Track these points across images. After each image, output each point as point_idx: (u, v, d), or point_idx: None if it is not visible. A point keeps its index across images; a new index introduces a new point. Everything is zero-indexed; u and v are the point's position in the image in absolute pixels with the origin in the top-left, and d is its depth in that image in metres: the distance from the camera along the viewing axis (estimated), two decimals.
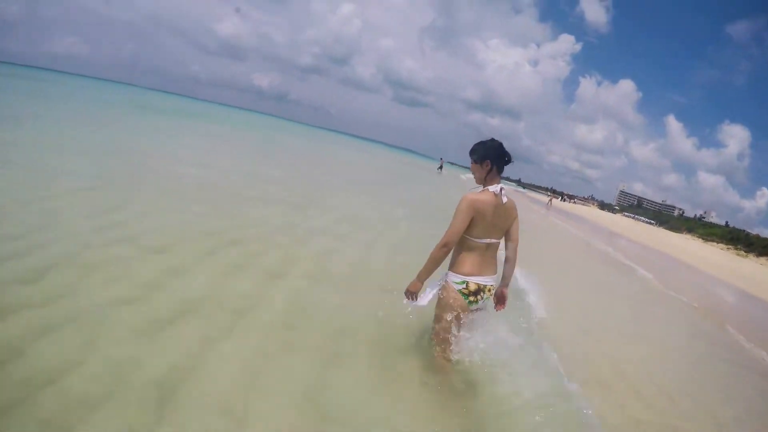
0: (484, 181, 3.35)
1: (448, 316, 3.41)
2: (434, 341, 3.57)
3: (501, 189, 3.29)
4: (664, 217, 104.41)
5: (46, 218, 5.04)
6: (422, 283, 3.36)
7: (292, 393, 2.95)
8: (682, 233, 70.90)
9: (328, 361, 3.45)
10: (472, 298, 3.36)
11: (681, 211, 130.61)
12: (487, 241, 3.34)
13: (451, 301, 3.38)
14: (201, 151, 16.13)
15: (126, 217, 5.63)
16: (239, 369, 3.08)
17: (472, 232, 3.27)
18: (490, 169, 3.31)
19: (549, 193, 62.78)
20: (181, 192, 8.04)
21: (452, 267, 3.39)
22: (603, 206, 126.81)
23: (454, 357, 3.50)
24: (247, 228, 6.38)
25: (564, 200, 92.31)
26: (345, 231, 7.70)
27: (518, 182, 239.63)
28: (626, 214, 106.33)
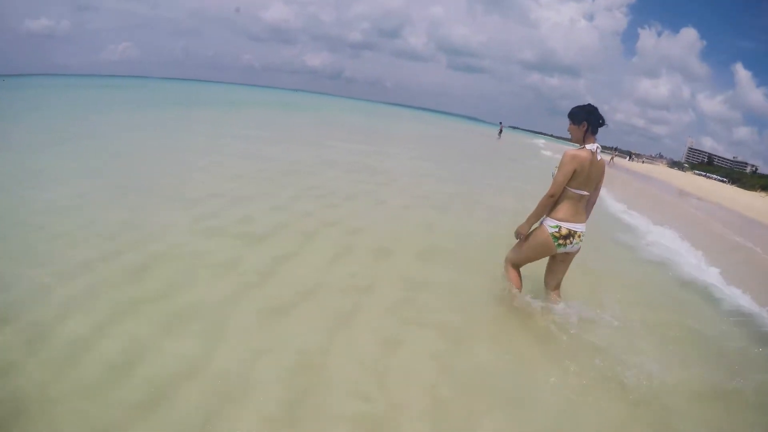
0: (582, 140, 3.80)
1: (535, 248, 3.99)
2: (511, 258, 4.22)
3: (597, 147, 3.72)
4: (736, 174, 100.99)
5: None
6: (530, 226, 3.92)
7: (425, 373, 3.17)
8: (756, 191, 69.52)
9: (456, 337, 3.73)
10: (561, 242, 3.83)
11: (754, 168, 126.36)
12: (582, 192, 3.77)
13: (537, 240, 3.92)
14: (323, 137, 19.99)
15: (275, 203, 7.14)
16: (369, 352, 3.29)
17: (570, 183, 3.70)
18: (587, 130, 3.76)
19: (612, 152, 64.77)
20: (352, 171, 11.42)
21: (549, 213, 3.86)
22: (672, 164, 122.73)
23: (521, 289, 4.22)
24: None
25: (632, 159, 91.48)
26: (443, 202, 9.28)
27: None
28: (696, 171, 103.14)
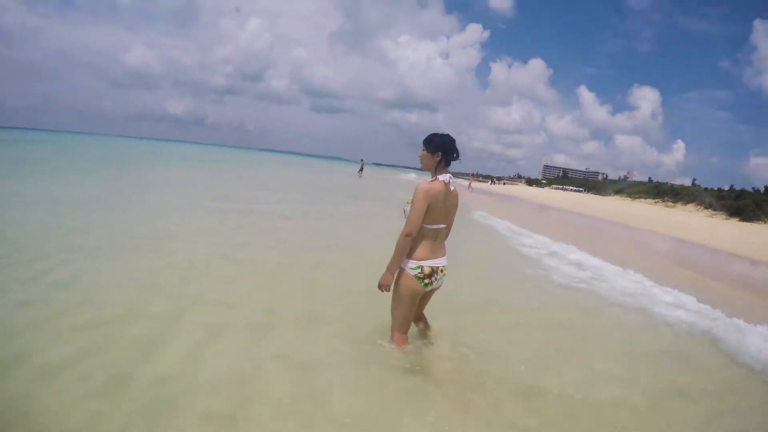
0: (434, 170, 3.72)
1: (406, 301, 3.81)
2: (394, 326, 3.99)
3: (449, 178, 3.70)
4: (590, 183, 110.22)
5: None
6: (393, 274, 3.69)
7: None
8: (610, 196, 75.57)
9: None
10: (427, 281, 3.73)
11: (605, 176, 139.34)
12: (438, 226, 3.71)
13: (406, 289, 3.76)
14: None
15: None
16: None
17: (425, 219, 3.60)
18: (440, 161, 3.68)
19: (469, 177, 71.99)
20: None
21: (407, 255, 3.71)
22: (530, 182, 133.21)
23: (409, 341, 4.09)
24: None
25: (494, 183, 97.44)
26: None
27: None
28: (554, 186, 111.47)
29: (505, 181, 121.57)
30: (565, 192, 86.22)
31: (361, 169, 49.59)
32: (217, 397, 3.27)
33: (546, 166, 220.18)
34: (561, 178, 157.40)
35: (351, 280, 6.45)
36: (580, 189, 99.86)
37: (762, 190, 58.46)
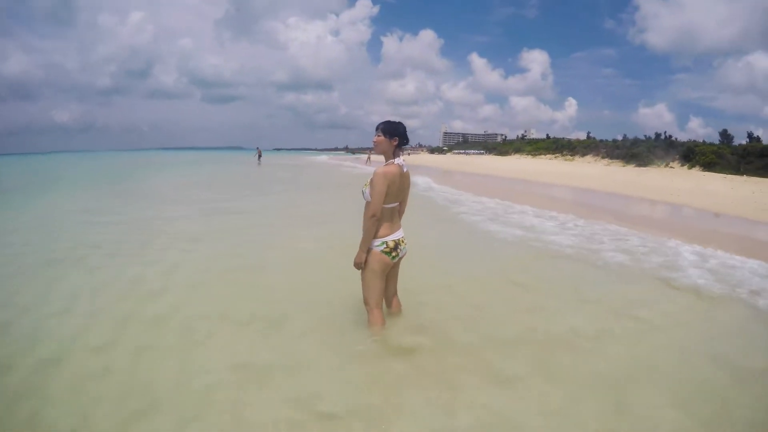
0: (391, 154, 4.04)
1: (379, 276, 4.13)
2: (371, 305, 4.23)
3: (403, 161, 4.05)
4: (491, 145, 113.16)
5: None
6: (365, 253, 4.04)
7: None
8: (511, 155, 77.97)
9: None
10: (393, 253, 4.09)
11: (504, 136, 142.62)
12: (394, 205, 4.06)
13: (377, 264, 4.07)
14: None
15: None
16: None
17: (384, 200, 3.91)
18: (397, 145, 4.01)
19: (368, 151, 73.78)
20: None
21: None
22: (432, 150, 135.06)
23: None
24: None
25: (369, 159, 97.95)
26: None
27: (345, 149, 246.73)
28: (456, 151, 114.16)
29: (408, 152, 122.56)
30: (468, 156, 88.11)
31: (260, 156, 49.25)
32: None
33: (446, 133, 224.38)
34: (462, 143, 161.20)
35: (299, 278, 6.44)
36: (482, 151, 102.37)
37: (653, 137, 62.10)
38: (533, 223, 11.00)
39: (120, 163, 57.14)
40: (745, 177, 34.17)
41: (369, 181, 3.92)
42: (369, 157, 61.91)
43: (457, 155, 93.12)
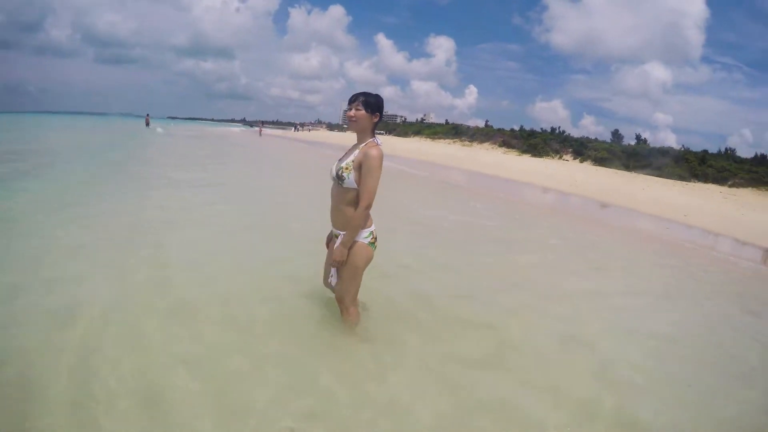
0: (371, 131, 3.54)
1: (362, 272, 3.70)
2: (351, 302, 3.83)
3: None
4: (390, 126, 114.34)
5: None
6: (347, 249, 3.55)
7: None
8: (410, 137, 79.17)
9: None
10: (376, 243, 3.68)
11: (403, 118, 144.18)
12: None
13: (362, 260, 3.62)
14: None
15: None
16: None
17: None
18: (377, 122, 3.56)
19: (259, 124, 77.79)
20: None
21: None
22: (331, 127, 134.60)
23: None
24: None
25: (297, 130, 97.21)
26: None
27: (243, 121, 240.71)
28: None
29: (309, 128, 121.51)
30: None
31: (147, 123, 49.12)
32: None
33: (345, 111, 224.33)
34: None
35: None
36: (381, 132, 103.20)
37: (548, 130, 65.32)
38: None
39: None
40: (633, 173, 37.53)
41: (350, 163, 3.43)
42: (261, 131, 66.25)
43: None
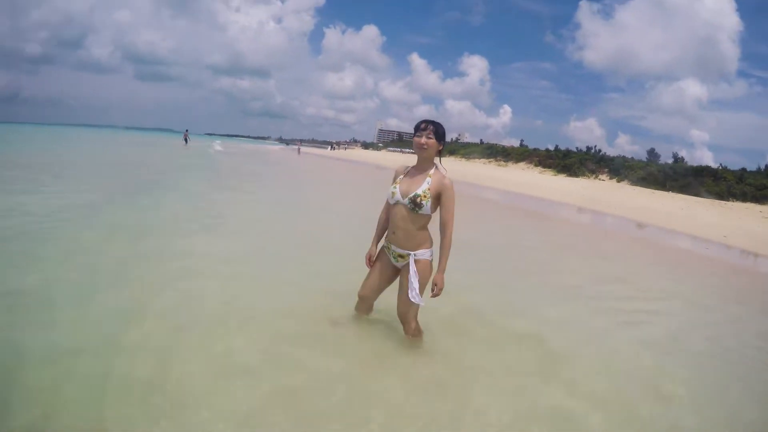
0: (438, 157, 3.70)
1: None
2: (416, 317, 3.96)
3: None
4: None
5: None
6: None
7: None
8: (445, 156, 79.01)
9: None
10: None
11: None
12: None
13: (429, 276, 3.75)
14: None
15: None
16: None
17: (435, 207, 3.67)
18: (441, 150, 3.68)
19: (297, 143, 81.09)
20: None
21: (423, 245, 3.72)
22: (366, 146, 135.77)
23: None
24: None
25: (333, 149, 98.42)
26: None
27: (279, 139, 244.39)
28: (390, 149, 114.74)
29: (344, 146, 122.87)
30: (403, 154, 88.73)
31: (186, 140, 49.30)
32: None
33: (381, 130, 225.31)
34: (397, 140, 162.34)
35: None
36: (412, 150, 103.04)
37: (583, 149, 64.83)
38: None
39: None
40: (671, 193, 36.99)
41: (426, 191, 3.54)
42: (299, 149, 67.24)
43: (392, 153, 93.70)
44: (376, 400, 3.20)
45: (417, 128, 3.62)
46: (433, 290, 3.64)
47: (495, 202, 19.77)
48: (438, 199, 3.55)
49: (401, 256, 3.74)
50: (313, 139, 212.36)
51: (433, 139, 3.54)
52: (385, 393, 3.31)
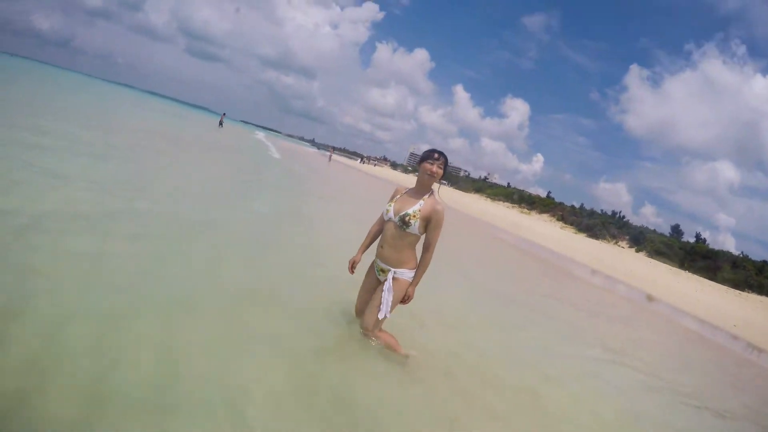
0: (438, 187, 4.04)
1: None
2: (380, 324, 4.09)
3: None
4: (454, 178, 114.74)
5: None
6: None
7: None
8: (470, 193, 79.30)
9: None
10: None
11: (467, 173, 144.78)
12: None
13: (404, 291, 4.00)
14: None
15: None
16: None
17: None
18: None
19: (330, 149, 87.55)
20: None
21: (406, 264, 3.98)
22: (395, 166, 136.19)
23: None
24: None
25: (363, 162, 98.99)
26: None
27: (312, 142, 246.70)
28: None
29: (374, 162, 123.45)
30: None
31: (221, 123, 51.01)
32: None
33: (412, 154, 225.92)
34: None
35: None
36: (443, 182, 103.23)
37: (608, 212, 64.81)
38: None
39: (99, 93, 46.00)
40: (687, 273, 36.74)
41: (417, 212, 3.81)
42: (330, 155, 67.58)
43: None
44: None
45: (429, 156, 3.89)
46: (403, 300, 4.00)
47: (516, 247, 20.13)
48: (427, 221, 3.81)
49: (383, 270, 4.02)
50: (344, 148, 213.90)
51: (442, 170, 3.87)
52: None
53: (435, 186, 3.94)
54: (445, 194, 4.11)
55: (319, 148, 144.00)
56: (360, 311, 4.37)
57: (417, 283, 3.96)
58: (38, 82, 33.31)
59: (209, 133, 36.23)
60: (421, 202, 3.83)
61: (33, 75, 45.84)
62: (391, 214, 3.91)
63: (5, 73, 32.72)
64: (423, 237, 3.90)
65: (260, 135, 62.12)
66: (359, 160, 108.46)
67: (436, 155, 3.86)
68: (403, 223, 3.80)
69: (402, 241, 3.87)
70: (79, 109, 20.75)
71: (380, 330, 4.12)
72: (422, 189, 3.92)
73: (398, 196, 4.04)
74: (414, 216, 3.77)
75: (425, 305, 5.53)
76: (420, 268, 3.94)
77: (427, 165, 3.85)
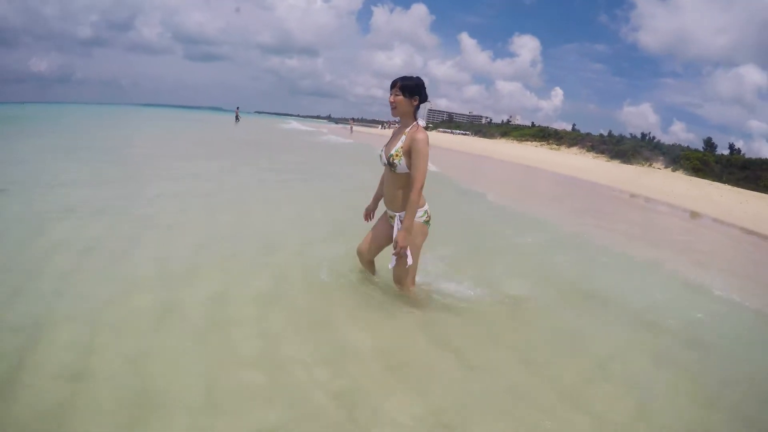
0: (412, 115, 3.68)
1: (419, 252, 3.86)
2: (411, 278, 3.96)
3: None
4: (476, 126, 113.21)
5: None
6: (410, 233, 3.65)
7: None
8: (497, 138, 78.65)
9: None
10: (430, 221, 3.85)
11: (488, 119, 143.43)
12: None
13: (420, 238, 3.79)
14: None
15: None
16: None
17: None
18: (417, 105, 3.67)
19: (350, 121, 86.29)
20: None
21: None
22: None
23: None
24: None
25: (384, 128, 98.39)
26: None
27: (328, 118, 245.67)
28: (441, 129, 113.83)
29: (396, 125, 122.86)
30: (455, 135, 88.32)
31: (237, 118, 50.25)
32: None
33: (431, 110, 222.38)
34: (447, 121, 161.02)
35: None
36: (467, 132, 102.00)
37: (637, 135, 63.89)
38: None
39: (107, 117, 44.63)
40: (728, 186, 36.24)
41: (399, 150, 3.60)
42: (351, 128, 66.21)
43: (444, 134, 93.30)
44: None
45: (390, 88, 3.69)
46: (394, 247, 3.69)
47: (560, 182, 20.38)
48: (410, 154, 3.56)
49: (392, 217, 3.87)
50: (362, 118, 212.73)
51: (401, 96, 3.59)
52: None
53: (421, 122, 3.67)
54: (474, 145, 3.93)
55: (337, 123, 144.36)
56: (360, 252, 4.28)
57: (407, 227, 3.59)
58: (63, 122, 28.99)
59: (258, 135, 35.12)
60: (403, 137, 3.62)
61: (54, 116, 38.53)
62: (384, 158, 3.75)
63: (31, 122, 30.75)
64: None
65: (293, 123, 60.88)
66: (380, 126, 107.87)
67: (391, 84, 3.66)
68: (391, 164, 3.65)
69: (397, 184, 3.70)
70: (126, 140, 20.40)
71: (413, 284, 4.01)
72: (403, 123, 3.73)
73: (389, 139, 3.88)
74: (397, 155, 3.59)
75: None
76: (407, 210, 3.58)
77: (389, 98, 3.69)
